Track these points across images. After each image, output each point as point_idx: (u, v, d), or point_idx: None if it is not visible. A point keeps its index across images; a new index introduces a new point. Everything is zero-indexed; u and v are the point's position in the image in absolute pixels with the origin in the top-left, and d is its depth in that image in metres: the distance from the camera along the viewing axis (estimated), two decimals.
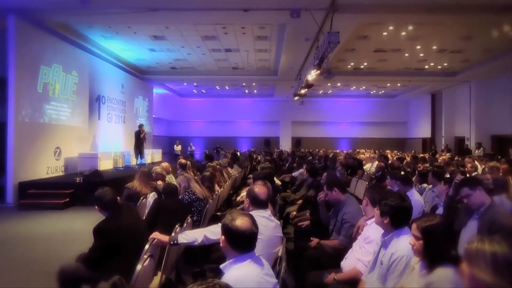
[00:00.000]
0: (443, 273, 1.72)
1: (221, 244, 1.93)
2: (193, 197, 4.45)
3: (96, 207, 3.15)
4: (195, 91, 23.92)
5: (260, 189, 2.94)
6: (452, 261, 1.75)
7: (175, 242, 2.81)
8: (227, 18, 9.69)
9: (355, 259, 2.74)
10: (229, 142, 25.45)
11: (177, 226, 3.04)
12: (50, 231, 6.75)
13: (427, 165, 8.07)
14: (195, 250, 3.75)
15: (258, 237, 2.69)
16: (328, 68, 10.19)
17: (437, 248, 1.81)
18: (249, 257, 1.88)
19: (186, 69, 17.07)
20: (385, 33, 11.31)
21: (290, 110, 25.51)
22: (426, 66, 15.73)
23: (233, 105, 26.10)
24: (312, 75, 10.78)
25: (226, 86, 21.88)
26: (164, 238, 2.85)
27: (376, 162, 10.67)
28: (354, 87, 21.49)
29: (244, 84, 20.75)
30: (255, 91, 23.52)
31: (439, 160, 10.19)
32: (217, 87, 22.01)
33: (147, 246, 2.64)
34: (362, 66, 15.99)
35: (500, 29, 10.62)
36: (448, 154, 14.16)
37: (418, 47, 12.76)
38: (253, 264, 1.86)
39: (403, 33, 11.24)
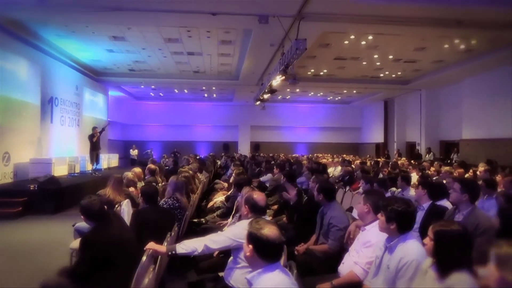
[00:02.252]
0: (461, 277, 1.76)
1: (246, 254, 1.87)
2: (177, 204, 4.27)
3: (82, 216, 2.94)
4: (153, 94, 23.30)
5: (258, 195, 2.89)
6: (466, 266, 1.80)
7: (173, 252, 2.68)
8: (194, 21, 9.54)
9: (353, 263, 2.76)
10: (187, 147, 25.03)
11: (168, 235, 2.90)
12: (5, 243, 6.22)
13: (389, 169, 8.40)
14: (178, 260, 3.60)
15: None
16: (294, 74, 10.33)
17: (447, 253, 1.86)
18: (277, 267, 1.84)
19: (145, 72, 16.59)
20: (346, 42, 11.68)
21: (249, 114, 25.62)
22: (382, 74, 16.46)
23: (191, 109, 25.73)
24: (277, 80, 10.87)
25: (185, 90, 21.52)
26: (161, 248, 2.71)
27: (339, 167, 11.01)
28: (312, 93, 21.99)
29: (204, 88, 20.54)
30: (215, 95, 23.36)
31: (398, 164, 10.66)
32: (175, 90, 21.58)
33: (144, 258, 2.48)
34: (321, 73, 16.41)
35: (451, 41, 11.35)
36: (404, 158, 14.87)
37: (376, 56, 13.31)
38: (282, 274, 1.83)
39: (363, 42, 11.67)
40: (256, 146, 26.23)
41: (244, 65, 13.97)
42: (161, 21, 9.59)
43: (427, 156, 16.52)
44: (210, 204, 6.05)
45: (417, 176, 6.62)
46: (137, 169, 6.57)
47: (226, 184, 8.26)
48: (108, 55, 13.69)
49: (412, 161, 13.00)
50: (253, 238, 1.85)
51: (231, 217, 4.51)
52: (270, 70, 14.13)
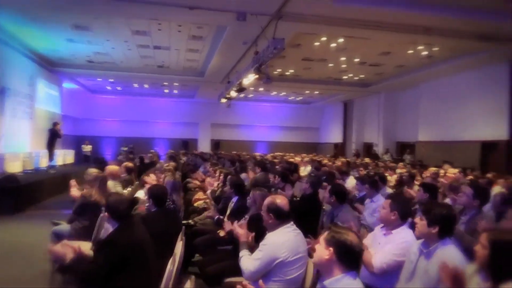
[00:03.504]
0: None
1: (324, 257, 1.79)
2: (172, 206, 4.03)
3: (106, 213, 2.70)
4: (109, 88, 22.26)
5: (282, 200, 2.77)
6: None
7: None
8: (168, 15, 9.18)
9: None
10: (144, 143, 24.19)
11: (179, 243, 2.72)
12: None
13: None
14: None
15: (302, 255, 2.56)
16: (267, 73, 10.28)
17: (503, 263, 1.83)
18: (356, 274, 1.78)
19: (105, 64, 15.77)
20: (316, 43, 11.82)
21: (210, 112, 25.29)
22: (345, 77, 16.89)
23: (150, 104, 24.89)
24: (249, 79, 10.77)
25: (146, 85, 20.79)
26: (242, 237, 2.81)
27: (309, 166, 11.13)
28: (275, 92, 22.12)
29: (166, 83, 19.93)
30: (176, 91, 22.77)
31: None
32: (135, 85, 20.78)
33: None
34: (287, 73, 16.53)
35: (415, 47, 11.87)
36: (367, 158, 15.36)
37: (343, 58, 13.61)
38: (360, 281, 1.76)
39: (333, 45, 11.87)
40: (216, 144, 25.94)
41: (212, 62, 13.71)
42: (132, 12, 9.12)
43: (384, 156, 17.22)
44: (197, 203, 5.82)
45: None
46: (113, 167, 6.19)
47: (198, 183, 8.05)
48: (67, 45, 12.84)
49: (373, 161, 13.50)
50: (336, 242, 1.79)
51: (224, 217, 4.36)
52: (238, 68, 14.01)
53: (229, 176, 4.61)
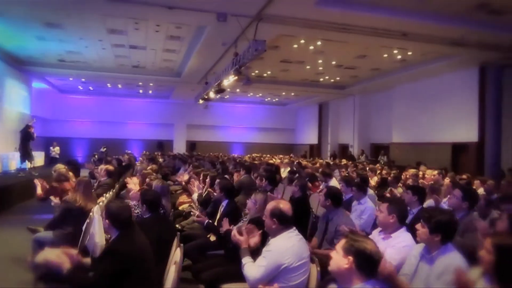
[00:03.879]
0: None
1: (344, 266, 1.78)
2: (162, 211, 3.92)
3: (106, 221, 2.61)
4: (81, 88, 21.58)
5: (285, 205, 2.74)
6: None
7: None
8: (146, 14, 8.97)
9: None
10: (117, 144, 23.63)
11: (175, 250, 2.64)
12: None
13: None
14: None
15: (305, 260, 2.53)
16: (247, 75, 10.26)
17: (509, 268, 1.85)
18: (375, 283, 1.77)
19: (78, 63, 15.27)
20: (295, 46, 11.89)
21: (186, 113, 25.05)
22: (321, 79, 17.10)
23: (124, 105, 24.35)
24: (229, 80, 10.72)
25: (119, 85, 20.28)
26: (243, 243, 2.71)
27: (289, 168, 11.15)
28: (251, 94, 22.10)
29: (140, 83, 19.53)
30: (150, 91, 22.35)
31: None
32: (108, 85, 20.24)
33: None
34: (265, 75, 16.55)
35: (390, 51, 12.15)
36: (344, 160, 15.57)
37: (320, 61, 13.77)
38: None
39: (311, 47, 11.99)
40: (192, 145, 25.67)
41: (190, 62, 13.54)
42: (109, 10, 8.86)
43: (360, 157, 17.54)
44: (183, 207, 5.70)
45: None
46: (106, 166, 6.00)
47: (178, 186, 7.91)
48: (38, 43, 12.33)
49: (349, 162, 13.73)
50: (355, 250, 1.77)
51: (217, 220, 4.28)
52: (216, 69, 13.91)
53: (217, 180, 4.53)
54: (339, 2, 8.21)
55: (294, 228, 2.72)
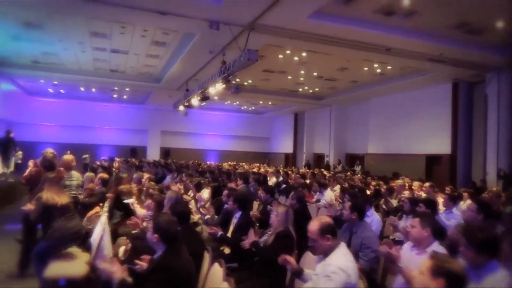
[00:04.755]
0: None
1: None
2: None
3: (154, 235, 2.48)
4: (51, 91, 20.75)
5: (325, 217, 2.74)
6: None
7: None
8: (137, 18, 8.79)
9: None
10: (87, 150, 22.80)
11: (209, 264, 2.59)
12: None
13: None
14: None
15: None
16: (236, 83, 10.27)
17: None
18: None
19: (52, 65, 14.71)
20: (280, 56, 12.03)
21: (160, 119, 24.70)
22: (300, 89, 17.36)
23: (95, 109, 23.62)
24: (216, 88, 10.68)
25: (93, 89, 19.67)
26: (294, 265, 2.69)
27: (274, 177, 11.22)
28: (228, 102, 22.07)
29: (116, 88, 19.06)
30: (125, 96, 21.82)
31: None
32: (82, 88, 19.57)
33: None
34: (245, 83, 16.59)
35: (371, 65, 12.54)
36: (323, 169, 15.81)
37: (302, 71, 14.00)
38: None
39: (296, 58, 12.17)
40: (166, 152, 25.24)
41: (173, 69, 13.36)
42: (98, 13, 8.61)
43: (337, 167, 17.89)
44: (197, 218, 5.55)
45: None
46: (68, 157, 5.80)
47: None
48: (13, 43, 11.78)
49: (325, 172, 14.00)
50: (446, 273, 1.75)
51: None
52: (198, 76, 13.83)
53: (226, 191, 4.48)
54: (331, 17, 8.42)
55: (342, 242, 2.72)
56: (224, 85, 10.13)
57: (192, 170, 11.15)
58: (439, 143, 13.46)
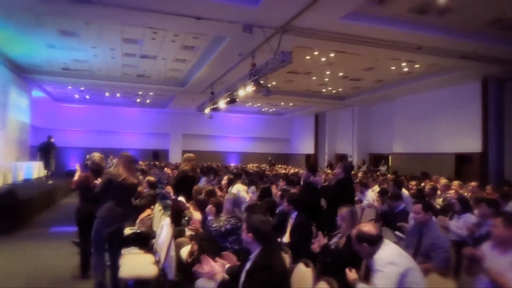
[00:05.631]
0: None
1: None
2: (239, 224, 3.91)
3: (249, 235, 2.57)
4: (77, 96, 21.23)
5: (368, 226, 2.88)
6: None
7: None
8: (172, 23, 8.94)
9: None
10: (112, 154, 23.19)
11: None
12: None
13: None
14: None
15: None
16: (267, 86, 10.36)
17: None
18: None
19: (81, 72, 15.06)
20: (308, 57, 12.06)
21: (182, 122, 25.00)
22: (324, 90, 17.33)
23: (119, 114, 24.08)
24: (246, 91, 10.78)
25: (118, 94, 20.05)
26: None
27: None
28: (250, 104, 22.18)
29: (140, 92, 19.38)
30: (148, 101, 22.15)
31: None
32: (107, 93, 19.97)
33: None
34: (269, 85, 16.60)
35: (398, 64, 12.45)
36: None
37: (328, 72, 13.98)
38: None
39: (323, 59, 12.18)
40: None
41: (199, 72, 13.54)
42: (133, 19, 8.81)
43: (362, 167, 17.81)
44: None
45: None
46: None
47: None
48: (46, 50, 12.13)
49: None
50: None
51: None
52: (223, 79, 13.97)
53: (279, 192, 4.56)
54: (363, 17, 8.43)
55: (386, 240, 2.82)
56: (254, 88, 10.27)
57: (223, 172, 11.26)
58: (469, 142, 13.27)
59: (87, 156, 17.63)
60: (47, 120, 22.11)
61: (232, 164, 22.24)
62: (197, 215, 4.80)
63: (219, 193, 6.82)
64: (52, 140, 13.34)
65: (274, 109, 24.33)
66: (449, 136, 14.11)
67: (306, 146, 25.14)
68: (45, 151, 11.82)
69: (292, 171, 13.49)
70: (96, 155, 5.41)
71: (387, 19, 8.55)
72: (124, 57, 12.73)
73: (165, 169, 6.69)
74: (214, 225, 3.98)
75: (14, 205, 7.16)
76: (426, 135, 15.26)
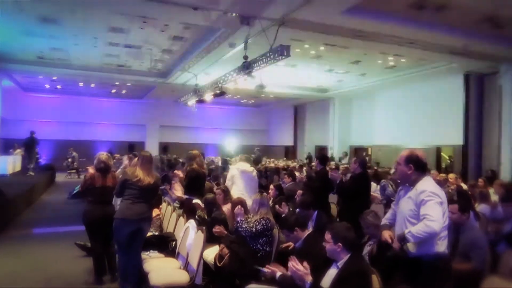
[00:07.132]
0: None
1: None
2: (269, 224, 3.79)
3: (338, 245, 2.51)
4: (48, 86, 20.17)
5: (420, 151, 2.99)
6: None
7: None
8: (165, 13, 8.57)
9: None
10: (85, 146, 22.39)
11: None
12: None
13: None
14: None
15: None
16: (260, 79, 10.20)
17: None
18: None
19: (57, 61, 14.27)
20: (297, 50, 11.93)
21: (159, 113, 24.39)
22: (307, 83, 17.34)
23: (92, 105, 23.17)
24: (236, 83, 10.57)
25: (92, 84, 19.21)
26: None
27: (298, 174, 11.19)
28: (230, 96, 21.86)
29: (117, 83, 18.65)
30: (124, 91, 21.38)
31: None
32: (81, 84, 19.09)
33: None
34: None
35: (385, 58, 12.60)
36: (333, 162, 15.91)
37: (314, 65, 13.95)
38: None
39: (313, 52, 12.12)
40: (165, 147, 24.94)
41: (184, 63, 13.14)
42: (126, 8, 8.39)
43: (344, 159, 18.05)
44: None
45: None
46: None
47: None
48: (23, 38, 11.37)
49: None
50: None
51: None
52: (208, 70, 13.66)
53: (301, 191, 4.47)
54: (363, 11, 8.39)
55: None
56: (246, 81, 10.07)
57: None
58: (450, 134, 13.68)
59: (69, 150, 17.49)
60: (15, 111, 20.92)
61: (213, 157, 21.93)
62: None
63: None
64: (34, 135, 13.81)
65: (253, 101, 24.18)
66: (430, 129, 14.50)
67: (285, 138, 25.21)
68: (29, 146, 11.25)
69: (292, 165, 13.45)
70: (103, 154, 5.16)
71: (384, 14, 8.56)
72: (108, 46, 12.14)
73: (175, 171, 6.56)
74: (244, 226, 3.84)
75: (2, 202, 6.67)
76: (406, 127, 15.63)
